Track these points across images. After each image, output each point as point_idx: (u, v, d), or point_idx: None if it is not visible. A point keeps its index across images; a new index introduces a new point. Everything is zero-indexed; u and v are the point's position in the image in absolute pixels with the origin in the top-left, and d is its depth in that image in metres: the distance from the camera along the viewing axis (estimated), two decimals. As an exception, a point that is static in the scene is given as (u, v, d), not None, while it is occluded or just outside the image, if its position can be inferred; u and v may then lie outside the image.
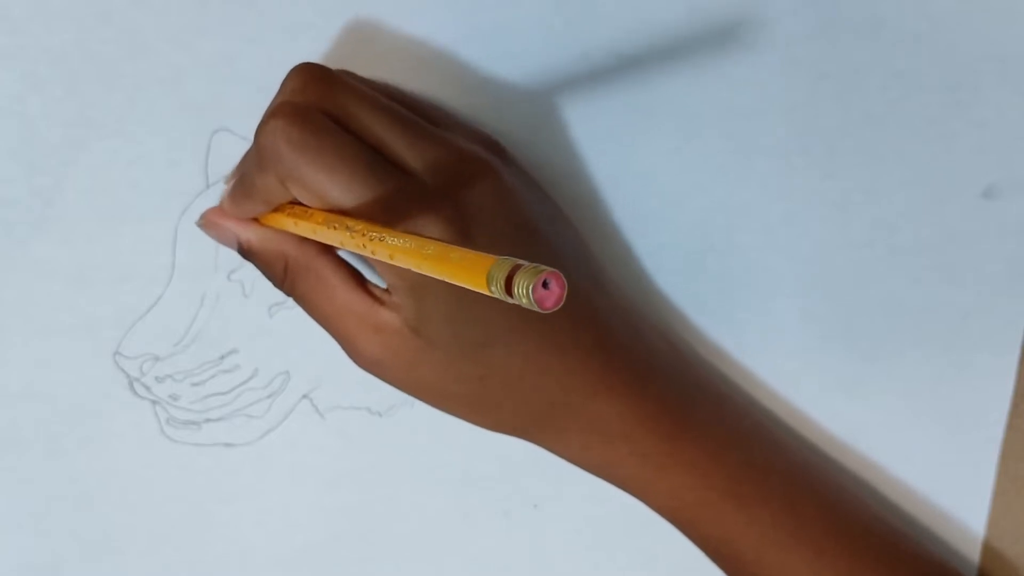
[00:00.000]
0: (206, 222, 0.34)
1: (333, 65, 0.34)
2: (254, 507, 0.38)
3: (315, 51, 0.34)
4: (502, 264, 0.21)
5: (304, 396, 0.37)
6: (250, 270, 0.36)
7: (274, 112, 0.29)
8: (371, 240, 0.27)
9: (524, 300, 0.21)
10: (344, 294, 0.32)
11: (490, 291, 0.22)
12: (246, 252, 0.33)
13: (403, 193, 0.29)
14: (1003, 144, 0.36)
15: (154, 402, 0.36)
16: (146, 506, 0.37)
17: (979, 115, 0.36)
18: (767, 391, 0.38)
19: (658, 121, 0.36)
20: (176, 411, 0.37)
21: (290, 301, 0.36)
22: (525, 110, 0.35)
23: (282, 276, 0.33)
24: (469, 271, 0.22)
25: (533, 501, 0.39)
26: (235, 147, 0.35)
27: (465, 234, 0.30)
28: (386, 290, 0.32)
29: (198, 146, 0.35)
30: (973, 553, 0.39)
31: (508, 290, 0.21)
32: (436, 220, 0.29)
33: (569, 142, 0.36)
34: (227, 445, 0.37)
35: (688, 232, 0.37)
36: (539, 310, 0.21)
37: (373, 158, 0.30)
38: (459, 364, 0.31)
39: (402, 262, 0.26)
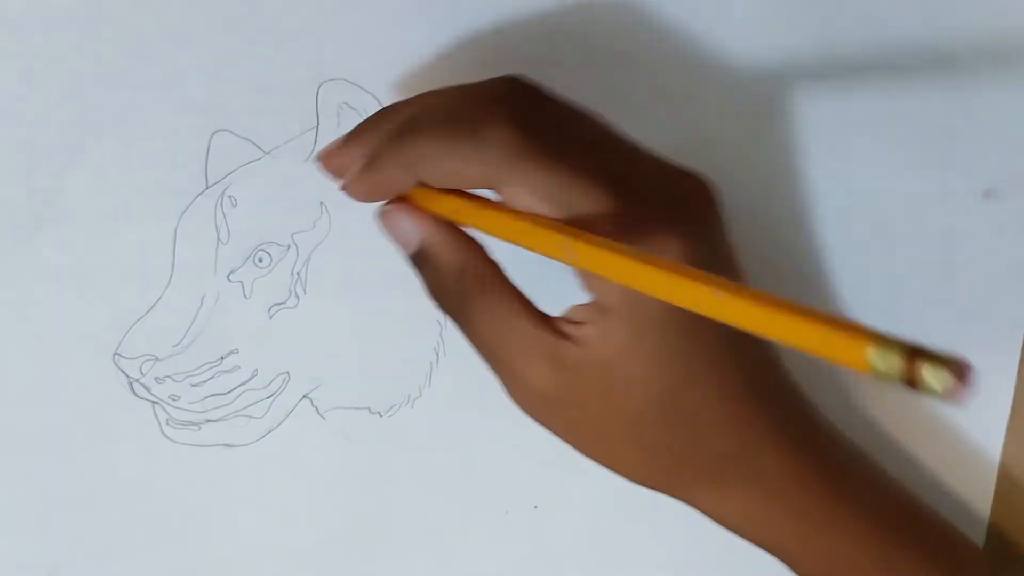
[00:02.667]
0: (392, 220, 0.30)
1: (334, 65, 0.34)
2: (254, 507, 0.38)
3: (315, 52, 0.34)
4: (894, 344, 0.19)
5: (304, 396, 0.37)
6: (250, 271, 0.36)
7: (508, 113, 0.27)
8: (664, 274, 0.24)
9: (936, 388, 0.19)
10: (522, 321, 0.29)
11: (873, 371, 0.19)
12: (419, 256, 0.30)
13: (638, 212, 0.27)
14: (1003, 144, 0.36)
15: (154, 403, 0.36)
16: (146, 506, 0.37)
17: (979, 115, 0.36)
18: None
19: (657, 121, 0.36)
20: (176, 412, 0.37)
21: (291, 301, 0.36)
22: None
23: (454, 289, 0.29)
24: (842, 342, 0.20)
25: (533, 501, 0.39)
26: (235, 148, 0.35)
27: (698, 264, 0.26)
28: (570, 322, 0.29)
29: (198, 146, 0.35)
30: (973, 553, 0.39)
31: (909, 374, 0.19)
32: (673, 247, 0.27)
33: (569, 142, 0.36)
34: (227, 445, 0.37)
35: (688, 232, 0.37)
36: (947, 400, 0.19)
37: (612, 171, 0.27)
38: (649, 406, 0.29)
39: (725, 314, 0.23)
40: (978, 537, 0.39)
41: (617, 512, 0.39)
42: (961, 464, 0.38)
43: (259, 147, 0.35)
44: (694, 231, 0.29)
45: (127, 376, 0.36)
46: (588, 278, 0.29)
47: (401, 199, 0.30)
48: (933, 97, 0.36)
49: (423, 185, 0.29)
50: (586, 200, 0.27)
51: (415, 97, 0.30)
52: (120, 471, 0.37)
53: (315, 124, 0.35)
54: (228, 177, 0.35)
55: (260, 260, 0.36)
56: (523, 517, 0.39)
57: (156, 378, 0.36)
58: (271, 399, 0.37)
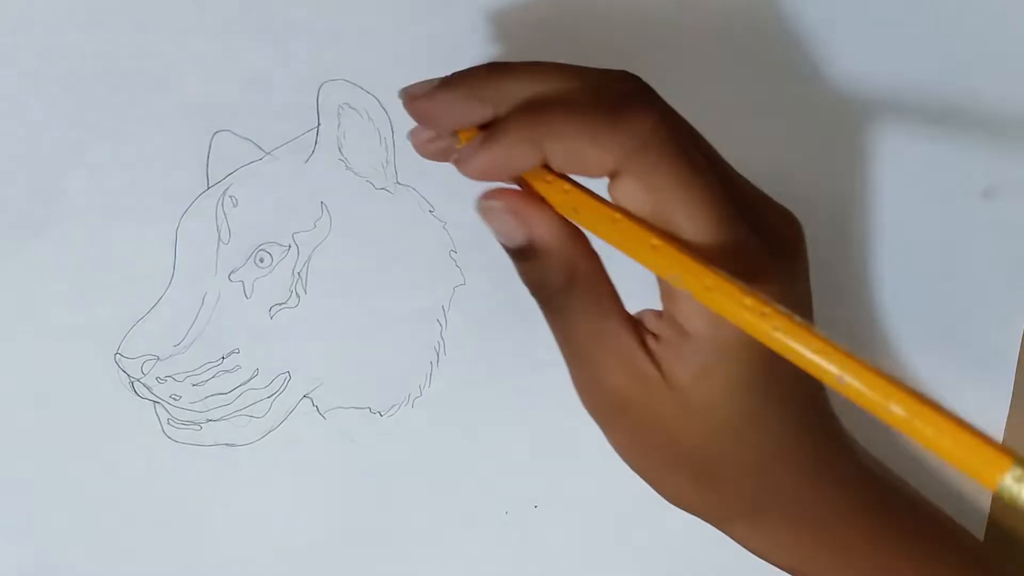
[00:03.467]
0: (502, 207, 0.27)
1: (334, 65, 0.34)
2: (255, 507, 0.38)
3: (315, 52, 0.34)
4: None
5: (305, 396, 0.37)
6: (251, 270, 0.36)
7: (649, 106, 0.26)
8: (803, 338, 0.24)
9: None
10: (613, 323, 0.28)
11: (1001, 492, 0.19)
12: (525, 252, 0.28)
13: (740, 241, 0.26)
14: (1003, 144, 0.36)
15: (155, 402, 0.36)
16: (147, 506, 0.37)
17: (979, 115, 0.36)
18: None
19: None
20: (177, 411, 0.37)
21: (291, 301, 0.36)
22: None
23: (556, 284, 0.28)
24: (981, 456, 0.20)
25: (533, 501, 0.39)
26: (235, 147, 0.35)
27: (785, 304, 0.25)
28: (651, 333, 0.28)
29: (199, 146, 0.35)
30: (973, 552, 0.39)
31: None
32: (770, 286, 0.26)
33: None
34: (228, 445, 0.37)
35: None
36: None
37: (728, 192, 0.26)
38: (713, 438, 0.28)
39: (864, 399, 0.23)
40: (977, 532, 0.39)
41: (617, 512, 0.39)
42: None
43: (260, 147, 0.35)
44: (789, 271, 0.28)
45: (128, 376, 0.36)
46: (674, 298, 0.27)
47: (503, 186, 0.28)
48: (933, 97, 0.36)
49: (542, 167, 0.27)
50: (699, 211, 0.26)
51: (533, 65, 0.28)
52: (121, 471, 0.37)
53: (315, 124, 0.35)
54: (229, 177, 0.35)
55: (261, 260, 0.36)
56: (523, 517, 0.39)
57: (157, 378, 0.36)
58: (272, 399, 0.37)
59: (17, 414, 0.36)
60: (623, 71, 0.28)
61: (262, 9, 0.34)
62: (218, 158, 0.35)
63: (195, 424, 0.37)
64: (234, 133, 0.35)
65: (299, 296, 0.36)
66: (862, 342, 0.38)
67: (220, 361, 0.36)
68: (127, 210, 0.35)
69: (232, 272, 0.36)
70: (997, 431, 0.38)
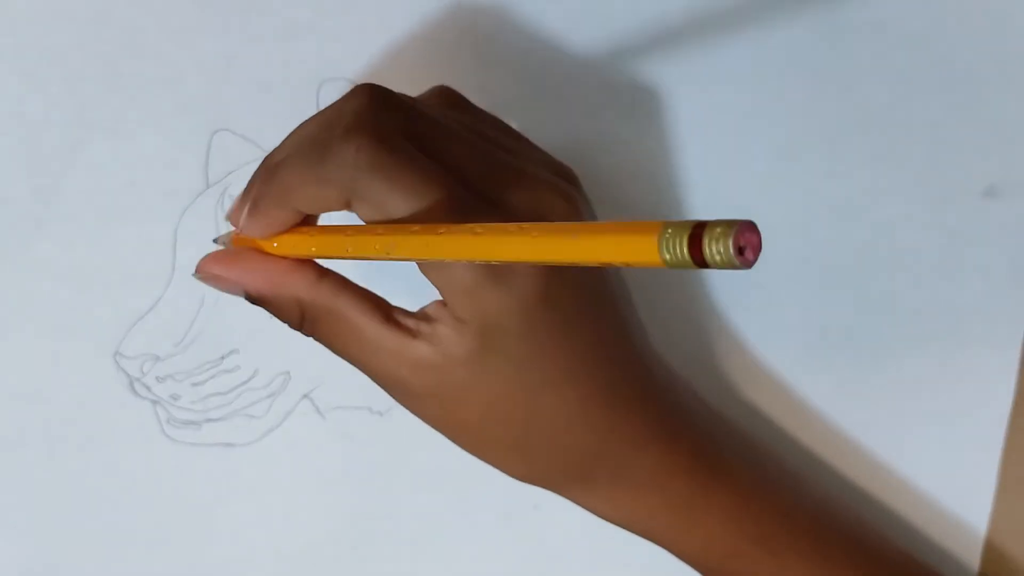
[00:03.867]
0: (205, 274, 0.31)
1: (334, 65, 0.34)
2: (255, 507, 0.38)
3: (315, 51, 0.34)
4: (680, 225, 0.19)
5: (304, 396, 0.37)
6: (250, 270, 0.36)
7: (356, 129, 0.27)
8: (462, 237, 0.24)
9: (722, 259, 0.18)
10: (373, 331, 0.29)
11: (663, 260, 0.19)
12: (254, 301, 0.31)
13: (483, 219, 0.27)
14: (1003, 144, 0.36)
15: (154, 402, 0.36)
16: (146, 506, 0.37)
17: (979, 115, 0.36)
18: (767, 391, 0.38)
19: (657, 122, 0.36)
20: (176, 411, 0.37)
21: (290, 301, 0.36)
22: (522, 110, 0.35)
23: (299, 322, 0.30)
24: (632, 239, 0.20)
25: (533, 501, 0.39)
26: (235, 147, 0.35)
27: None
28: (421, 318, 0.30)
29: (198, 146, 0.35)
30: (974, 553, 0.39)
31: (695, 252, 0.18)
32: None
33: (569, 142, 0.36)
34: (228, 445, 0.37)
35: (688, 232, 0.37)
36: (737, 267, 0.18)
37: (454, 184, 0.28)
38: (506, 407, 0.30)
39: (517, 251, 0.23)
40: (977, 537, 0.39)
41: (617, 512, 0.39)
42: (961, 463, 0.38)
43: (259, 146, 0.35)
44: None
45: (128, 375, 0.36)
46: (440, 286, 0.29)
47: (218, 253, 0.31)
48: (933, 97, 0.36)
49: (303, 214, 0.30)
50: (412, 197, 0.27)
51: (288, 135, 0.30)
52: (120, 471, 0.37)
53: (315, 124, 0.35)
54: (229, 176, 0.35)
55: (260, 260, 0.36)
56: (523, 517, 0.39)
57: (157, 377, 0.36)
58: (271, 399, 0.37)
59: (17, 413, 0.36)
60: (344, 96, 0.29)
61: (262, 9, 0.34)
62: (218, 158, 0.35)
63: (194, 424, 0.37)
64: (234, 133, 0.35)
65: (299, 296, 0.36)
66: (862, 342, 0.38)
67: (220, 361, 0.36)
68: (127, 210, 0.35)
69: (232, 272, 0.36)
70: (998, 431, 0.38)
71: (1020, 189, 0.36)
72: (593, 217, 0.33)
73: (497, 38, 0.35)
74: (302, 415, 0.37)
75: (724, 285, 0.37)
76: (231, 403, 0.37)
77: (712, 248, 0.18)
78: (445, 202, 0.27)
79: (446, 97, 0.33)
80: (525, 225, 0.23)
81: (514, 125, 0.35)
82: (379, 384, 0.31)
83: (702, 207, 0.36)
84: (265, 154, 0.35)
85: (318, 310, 0.30)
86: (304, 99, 0.35)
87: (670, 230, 0.19)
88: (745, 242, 0.18)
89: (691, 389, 0.35)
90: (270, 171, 0.30)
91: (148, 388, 0.36)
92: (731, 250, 0.18)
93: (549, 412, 0.30)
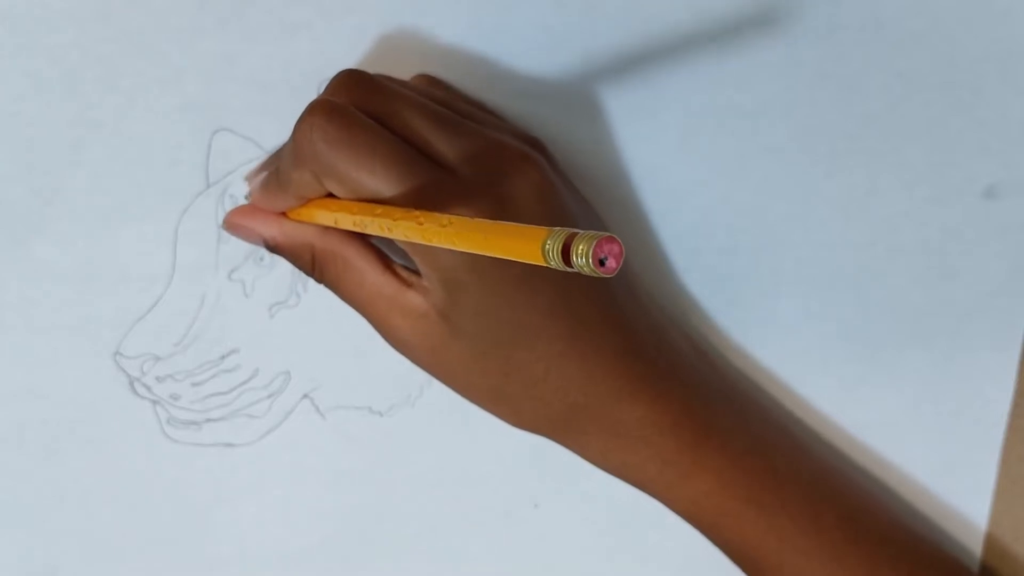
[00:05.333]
0: (229, 224, 0.34)
1: (334, 65, 0.34)
2: (255, 507, 0.38)
3: (315, 51, 0.34)
4: (558, 234, 0.22)
5: (304, 396, 0.37)
6: (251, 270, 0.36)
7: (311, 109, 0.30)
8: (410, 224, 0.27)
9: (585, 267, 0.21)
10: (373, 277, 0.32)
11: (546, 262, 0.22)
12: (272, 248, 0.34)
13: (440, 186, 0.30)
14: (1003, 144, 0.36)
15: (155, 402, 0.36)
16: (146, 506, 0.37)
17: (979, 115, 0.36)
18: (767, 390, 0.38)
19: (659, 121, 0.36)
20: (177, 411, 0.37)
21: (291, 300, 0.36)
22: (523, 109, 0.35)
23: (311, 265, 0.33)
24: (523, 243, 0.23)
25: (533, 501, 0.39)
26: (235, 147, 0.35)
27: (501, 214, 0.30)
28: (415, 272, 0.32)
29: (198, 146, 0.35)
30: (975, 550, 0.39)
31: (566, 259, 0.21)
32: (473, 213, 0.29)
33: (570, 142, 0.36)
34: (228, 445, 0.37)
35: (689, 232, 0.37)
36: (599, 275, 0.21)
37: (409, 152, 0.30)
38: (483, 359, 0.32)
39: (446, 242, 0.26)
40: (977, 535, 0.39)
41: (617, 512, 0.39)
42: (962, 462, 0.38)
43: (260, 146, 0.35)
44: (495, 193, 0.30)
45: (128, 375, 0.36)
46: (406, 246, 0.31)
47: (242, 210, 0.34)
48: (933, 97, 0.36)
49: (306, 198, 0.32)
50: (375, 173, 0.30)
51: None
52: (120, 471, 0.37)
53: (315, 124, 0.35)
54: (229, 176, 0.35)
55: (261, 259, 0.36)
56: (523, 517, 0.39)
57: (157, 377, 0.36)
58: (272, 399, 0.37)
59: (17, 413, 0.36)
60: (330, 81, 0.31)
61: (262, 9, 0.34)
62: (218, 157, 0.35)
63: (195, 424, 0.37)
64: (234, 132, 0.35)
65: (299, 295, 0.36)
66: (862, 342, 0.38)
67: (220, 361, 0.36)
68: (127, 210, 0.35)
69: (232, 271, 0.36)
70: (998, 431, 0.38)
71: (1020, 189, 0.36)
72: (566, 182, 0.34)
73: (497, 38, 0.35)
74: (302, 415, 0.37)
75: (724, 285, 0.37)
76: (231, 403, 0.37)
77: (578, 256, 0.21)
78: (401, 172, 0.29)
79: (426, 80, 0.35)
80: (454, 219, 0.26)
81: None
82: (379, 332, 0.33)
83: (702, 207, 0.37)
84: (265, 154, 0.35)
85: (327, 255, 0.33)
86: (304, 99, 0.35)
87: (550, 240, 0.22)
88: (606, 252, 0.21)
89: (691, 343, 0.36)
90: (278, 157, 0.33)
91: (148, 388, 0.36)
92: (591, 259, 0.21)
93: (523, 364, 0.32)
